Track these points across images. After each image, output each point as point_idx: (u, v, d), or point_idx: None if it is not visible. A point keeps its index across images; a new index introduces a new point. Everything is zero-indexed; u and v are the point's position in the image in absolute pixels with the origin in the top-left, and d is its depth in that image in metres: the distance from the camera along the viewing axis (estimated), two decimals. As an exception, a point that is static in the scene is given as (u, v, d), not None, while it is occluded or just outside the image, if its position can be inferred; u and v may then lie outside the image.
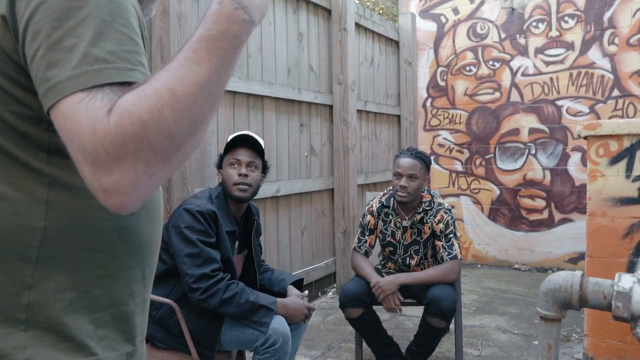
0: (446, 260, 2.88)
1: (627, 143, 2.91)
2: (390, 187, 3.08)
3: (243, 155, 2.33)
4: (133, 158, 0.72)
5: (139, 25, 0.85)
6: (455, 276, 2.88)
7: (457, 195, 5.88)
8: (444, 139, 5.97)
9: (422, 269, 3.06)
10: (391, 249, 3.10)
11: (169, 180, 2.92)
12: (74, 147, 0.73)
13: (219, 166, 2.42)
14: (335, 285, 4.75)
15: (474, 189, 5.82)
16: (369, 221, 3.10)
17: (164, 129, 0.73)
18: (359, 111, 5.02)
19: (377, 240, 3.15)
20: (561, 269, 5.36)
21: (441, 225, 2.93)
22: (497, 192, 5.71)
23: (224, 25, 0.81)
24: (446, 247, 2.91)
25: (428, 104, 6.05)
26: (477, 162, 5.80)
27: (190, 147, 0.78)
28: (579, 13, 5.32)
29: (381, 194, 3.17)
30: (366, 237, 3.10)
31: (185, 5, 2.99)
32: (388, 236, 3.08)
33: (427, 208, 2.98)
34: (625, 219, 2.93)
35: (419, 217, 2.99)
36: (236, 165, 2.32)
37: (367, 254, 3.09)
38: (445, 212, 2.96)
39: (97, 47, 0.76)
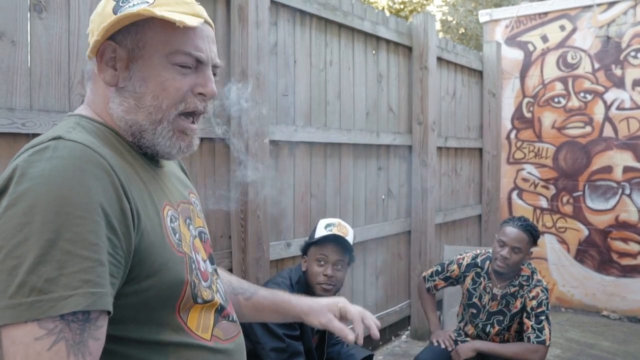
0: (533, 342, 2.71)
1: None
2: (490, 251, 2.97)
3: (332, 253, 2.31)
4: None
5: (108, 222, 0.82)
6: None
7: (542, 234, 5.56)
8: (529, 173, 5.69)
9: (500, 340, 2.93)
10: (474, 311, 2.98)
11: (244, 240, 2.93)
12: None
13: (305, 252, 2.40)
14: (409, 328, 4.63)
15: (559, 228, 5.51)
16: (453, 270, 3.06)
17: None
18: (439, 148, 4.87)
19: (462, 299, 3.10)
20: (656, 319, 4.98)
21: (534, 302, 2.76)
22: (586, 232, 5.37)
23: None
24: (536, 328, 2.73)
25: (512, 135, 5.78)
26: (564, 199, 5.49)
27: None
28: (684, 43, 4.91)
29: (478, 251, 3.07)
30: (439, 278, 3.09)
31: (264, 65, 2.98)
32: (475, 297, 2.97)
33: (525, 283, 2.84)
34: None
35: (512, 289, 2.85)
36: (323, 263, 2.30)
37: (429, 290, 3.13)
38: (542, 291, 2.80)
39: (34, 273, 0.75)
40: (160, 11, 0.93)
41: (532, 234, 2.79)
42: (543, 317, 2.74)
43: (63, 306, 0.75)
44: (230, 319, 1.11)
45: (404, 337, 4.57)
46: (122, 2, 0.96)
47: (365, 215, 4.06)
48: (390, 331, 4.48)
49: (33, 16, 2.18)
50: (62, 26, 2.25)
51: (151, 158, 1.05)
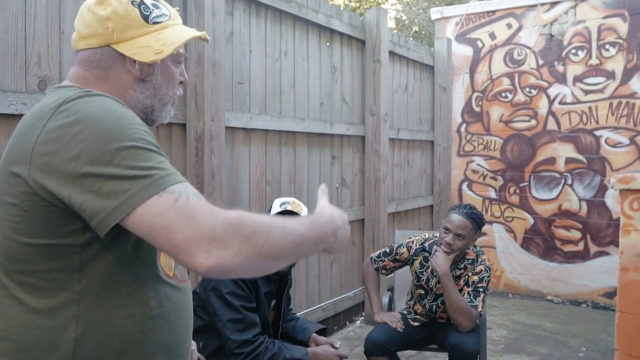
0: None
1: (662, 198, 2.85)
2: (437, 236, 3.09)
3: None
4: (243, 241, 0.91)
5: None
6: (469, 323, 2.80)
7: (490, 223, 5.81)
8: (478, 165, 5.92)
9: (447, 317, 3.06)
10: (422, 292, 3.10)
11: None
12: (181, 235, 0.88)
13: None
14: (363, 313, 4.77)
15: (507, 217, 5.75)
16: (402, 253, 3.13)
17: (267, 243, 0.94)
18: (391, 139, 5.02)
19: (411, 280, 3.19)
20: (596, 302, 5.26)
21: (476, 277, 2.90)
22: (531, 221, 5.63)
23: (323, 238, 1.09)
24: (472, 295, 2.86)
25: (462, 129, 6.00)
26: (511, 190, 5.73)
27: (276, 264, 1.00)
28: (620, 41, 5.21)
29: (426, 235, 3.18)
30: (387, 259, 3.16)
31: (220, 52, 3.05)
32: (422, 280, 3.08)
33: (469, 265, 2.96)
34: (658, 275, 2.86)
35: (457, 272, 2.96)
36: None
37: (378, 270, 3.19)
38: (485, 269, 2.92)
39: (145, 162, 0.94)
40: (186, 29, 1.20)
41: (476, 221, 2.89)
42: (481, 290, 2.87)
43: (175, 178, 0.94)
44: (182, 266, 1.21)
45: (358, 322, 4.71)
46: (145, 10, 1.14)
47: (320, 203, 4.16)
48: (344, 316, 4.61)
49: (-12, -3, 2.20)
50: (19, 7, 2.28)
51: None
